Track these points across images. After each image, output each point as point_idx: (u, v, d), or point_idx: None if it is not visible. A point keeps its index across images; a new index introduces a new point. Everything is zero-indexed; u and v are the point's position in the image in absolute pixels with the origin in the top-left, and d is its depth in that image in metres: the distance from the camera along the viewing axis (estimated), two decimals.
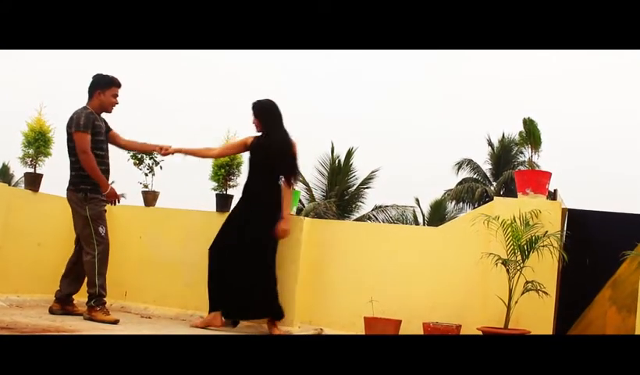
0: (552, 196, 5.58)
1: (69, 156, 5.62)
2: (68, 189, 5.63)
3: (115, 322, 5.31)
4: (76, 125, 5.48)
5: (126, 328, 5.21)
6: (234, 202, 6.51)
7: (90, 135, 5.49)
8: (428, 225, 24.77)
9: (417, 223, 26.28)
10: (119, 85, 5.75)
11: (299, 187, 6.23)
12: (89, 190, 5.51)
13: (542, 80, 41.42)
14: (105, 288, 5.49)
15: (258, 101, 5.86)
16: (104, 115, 5.77)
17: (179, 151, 5.96)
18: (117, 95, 5.73)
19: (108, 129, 5.81)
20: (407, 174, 32.61)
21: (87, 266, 5.46)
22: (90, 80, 5.73)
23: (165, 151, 5.95)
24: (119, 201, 5.69)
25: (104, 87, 5.67)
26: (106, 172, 5.66)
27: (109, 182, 5.67)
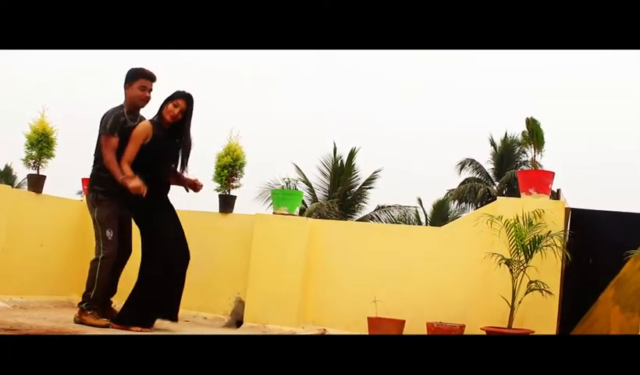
0: (556, 196, 5.58)
1: (94, 154, 5.44)
2: (87, 188, 5.49)
3: (107, 325, 5.13)
4: (102, 127, 5.25)
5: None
6: (237, 203, 6.53)
7: (118, 138, 5.21)
8: (430, 225, 24.76)
9: (419, 223, 26.26)
10: (147, 77, 5.38)
11: (301, 187, 6.18)
12: (100, 192, 5.28)
13: (544, 74, 41.39)
14: (101, 294, 5.28)
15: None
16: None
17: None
18: (146, 88, 5.36)
19: None
20: (410, 174, 32.59)
21: (90, 267, 5.28)
22: None
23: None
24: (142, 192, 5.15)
25: (130, 79, 5.36)
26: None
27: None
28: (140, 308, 5.22)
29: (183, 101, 5.37)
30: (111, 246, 5.23)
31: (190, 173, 5.68)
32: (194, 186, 5.70)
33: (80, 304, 5.29)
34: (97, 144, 5.38)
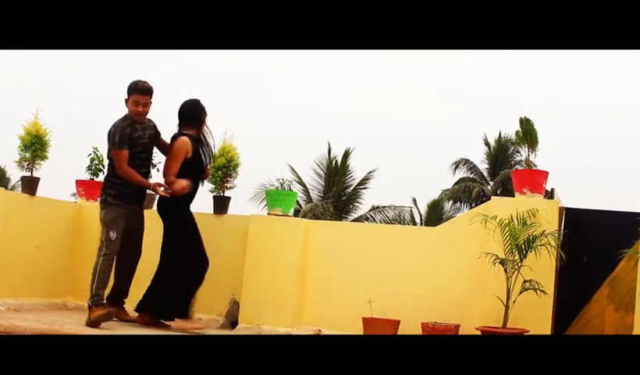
0: (550, 195, 5.60)
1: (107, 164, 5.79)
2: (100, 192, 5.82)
3: (108, 313, 5.34)
4: (111, 143, 5.52)
5: (125, 329, 5.23)
6: (231, 204, 6.53)
7: (128, 149, 5.49)
8: (425, 225, 24.77)
9: (414, 224, 26.27)
10: (139, 91, 5.52)
11: (296, 188, 6.25)
12: (110, 195, 5.56)
13: (540, 74, 41.43)
14: (101, 288, 5.43)
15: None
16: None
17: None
18: (139, 102, 5.50)
19: (157, 134, 5.80)
20: (404, 174, 32.57)
21: (94, 265, 5.49)
22: None
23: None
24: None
25: (127, 94, 5.57)
26: (146, 174, 5.70)
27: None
28: (166, 303, 5.62)
29: (205, 115, 5.79)
30: (113, 246, 5.51)
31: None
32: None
33: (88, 301, 5.47)
34: (108, 156, 5.69)
